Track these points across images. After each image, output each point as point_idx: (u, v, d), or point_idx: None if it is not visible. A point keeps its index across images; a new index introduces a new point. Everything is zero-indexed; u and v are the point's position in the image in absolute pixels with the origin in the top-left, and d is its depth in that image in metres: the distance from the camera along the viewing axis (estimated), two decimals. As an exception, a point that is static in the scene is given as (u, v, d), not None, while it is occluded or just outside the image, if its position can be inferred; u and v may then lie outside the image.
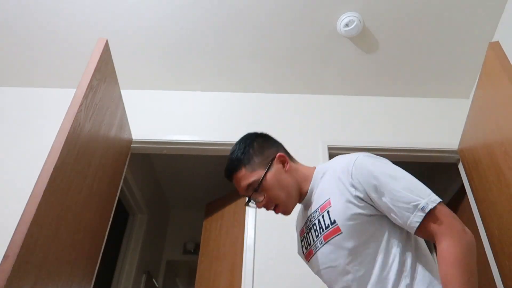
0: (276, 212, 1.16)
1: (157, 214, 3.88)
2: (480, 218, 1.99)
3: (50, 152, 1.31)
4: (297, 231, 1.28)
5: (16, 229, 1.15)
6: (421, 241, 1.04)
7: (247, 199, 1.17)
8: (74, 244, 1.53)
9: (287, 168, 1.17)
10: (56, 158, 1.29)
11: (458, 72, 2.44)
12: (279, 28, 2.26)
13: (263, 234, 2.01)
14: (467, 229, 0.91)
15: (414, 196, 0.94)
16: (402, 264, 0.96)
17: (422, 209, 0.91)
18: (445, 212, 0.93)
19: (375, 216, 1.01)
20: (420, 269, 0.96)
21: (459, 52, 2.33)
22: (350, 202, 1.00)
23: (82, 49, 2.33)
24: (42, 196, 1.21)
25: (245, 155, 1.18)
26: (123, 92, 2.08)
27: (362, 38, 2.28)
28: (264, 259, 1.95)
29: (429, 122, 2.46)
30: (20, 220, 1.16)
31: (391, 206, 0.96)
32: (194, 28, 2.28)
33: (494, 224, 1.81)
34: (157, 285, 3.72)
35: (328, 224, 1.04)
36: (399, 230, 1.01)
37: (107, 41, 1.72)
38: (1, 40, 2.35)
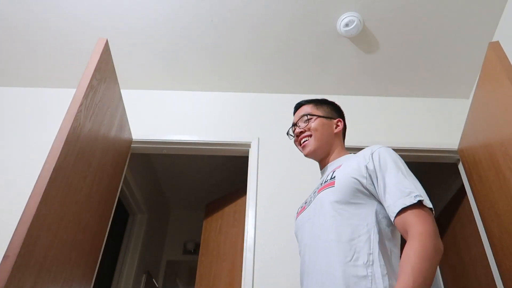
0: (303, 144, 1.32)
1: (157, 214, 3.88)
2: (480, 218, 1.99)
3: (50, 152, 1.31)
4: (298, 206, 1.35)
5: (16, 229, 1.15)
6: (398, 249, 1.06)
7: (289, 130, 1.42)
8: (74, 244, 1.53)
9: (336, 131, 1.36)
10: (56, 158, 1.29)
11: (458, 72, 2.43)
12: (279, 28, 2.26)
13: (263, 234, 2.01)
14: (441, 241, 0.94)
15: (414, 189, 1.00)
16: (371, 247, 1.00)
17: (415, 197, 0.97)
18: (431, 217, 0.97)
19: (369, 197, 1.08)
20: (386, 261, 0.99)
21: (459, 52, 2.33)
22: (358, 170, 1.10)
23: (82, 49, 2.33)
24: (42, 196, 1.21)
25: (320, 101, 1.43)
26: (123, 92, 2.08)
27: (362, 38, 2.28)
28: (264, 259, 1.95)
29: (429, 122, 2.45)
30: (20, 220, 1.16)
31: (390, 186, 1.03)
32: (194, 28, 2.28)
33: (494, 224, 1.81)
34: (157, 285, 3.71)
35: (327, 180, 1.17)
36: (385, 221, 1.05)
37: (107, 41, 1.72)
38: (1, 40, 2.35)
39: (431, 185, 3.36)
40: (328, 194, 1.12)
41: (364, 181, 1.08)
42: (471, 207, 2.10)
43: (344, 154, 1.33)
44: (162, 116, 2.49)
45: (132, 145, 2.33)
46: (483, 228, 1.96)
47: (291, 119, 2.46)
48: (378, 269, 0.96)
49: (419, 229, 0.92)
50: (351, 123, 2.49)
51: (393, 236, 1.06)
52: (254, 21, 2.24)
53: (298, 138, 1.35)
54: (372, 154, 1.12)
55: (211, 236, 2.90)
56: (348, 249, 1.00)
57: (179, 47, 2.37)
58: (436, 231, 0.93)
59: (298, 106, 1.44)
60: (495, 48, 1.70)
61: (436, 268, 0.89)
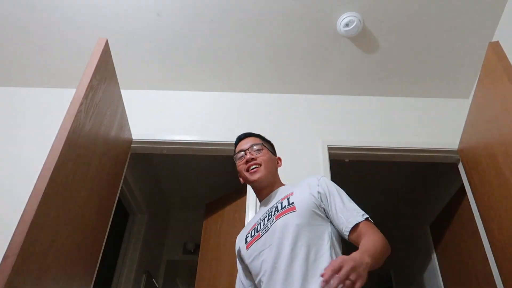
0: (253, 170, 1.40)
1: (157, 214, 3.88)
2: (480, 218, 1.99)
3: (50, 152, 1.31)
4: (240, 238, 1.43)
5: (16, 229, 1.15)
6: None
7: (234, 155, 1.50)
8: (74, 244, 1.53)
9: (278, 166, 1.53)
10: (56, 158, 1.29)
11: (458, 72, 2.44)
12: (279, 28, 2.26)
13: (263, 234, 2.00)
14: None
15: (357, 208, 1.24)
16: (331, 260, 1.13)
17: (362, 215, 1.19)
18: (372, 224, 1.19)
19: (324, 218, 1.24)
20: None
21: (459, 52, 2.33)
22: (312, 195, 1.26)
23: (82, 49, 2.33)
24: (42, 196, 1.21)
25: (265, 138, 1.58)
26: (123, 92, 2.08)
27: (362, 38, 2.28)
28: (264, 259, 1.95)
29: (429, 122, 2.45)
30: (20, 220, 1.16)
31: (340, 206, 1.22)
32: (194, 28, 2.28)
33: (494, 224, 1.81)
34: (157, 285, 3.71)
35: (285, 206, 1.26)
36: (336, 241, 1.22)
37: (107, 41, 1.72)
38: (1, 40, 2.35)
39: (431, 185, 3.37)
40: (291, 219, 1.20)
41: (319, 203, 1.24)
42: (471, 207, 2.10)
43: (282, 185, 1.46)
44: (162, 116, 2.48)
45: (132, 145, 2.33)
46: (483, 228, 1.96)
47: (291, 119, 2.50)
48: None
49: (377, 232, 1.14)
50: (351, 123, 2.51)
51: (340, 245, 1.22)
52: (254, 22, 2.24)
53: (247, 164, 1.41)
54: (319, 181, 1.30)
55: (211, 236, 2.90)
56: (315, 268, 1.10)
57: (180, 47, 2.37)
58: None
59: (245, 136, 1.54)
60: (495, 48, 1.70)
61: (383, 259, 1.07)
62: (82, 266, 1.66)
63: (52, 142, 1.35)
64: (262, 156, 1.43)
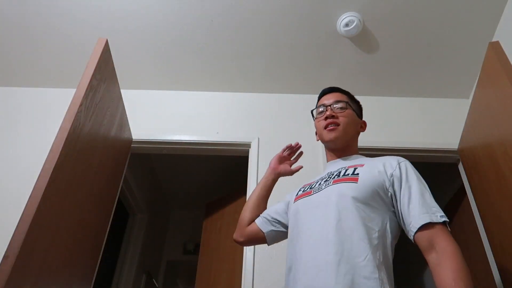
0: (331, 129, 1.26)
1: (157, 214, 3.88)
2: (480, 218, 1.99)
3: (50, 152, 1.31)
4: (295, 191, 1.33)
5: (16, 229, 1.15)
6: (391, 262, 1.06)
7: (314, 109, 1.37)
8: (74, 244, 1.53)
9: (360, 130, 1.37)
10: (56, 158, 1.29)
11: (458, 72, 2.43)
12: (279, 28, 2.26)
13: (263, 234, 2.01)
14: None
15: (434, 205, 1.03)
16: (378, 252, 0.99)
17: (441, 217, 0.99)
18: (449, 232, 1.00)
19: (386, 204, 1.07)
20: (388, 271, 1.01)
21: (459, 52, 2.33)
22: (382, 174, 1.10)
23: (82, 49, 2.33)
24: (42, 196, 1.21)
25: (353, 96, 1.41)
26: (123, 92, 2.08)
27: (362, 38, 2.28)
28: (264, 259, 1.95)
29: (429, 122, 2.45)
30: (20, 220, 1.16)
31: (417, 196, 1.03)
32: (195, 28, 2.28)
33: (494, 224, 1.81)
34: (157, 285, 3.71)
35: (348, 174, 1.13)
36: (391, 235, 1.06)
37: (107, 41, 1.71)
38: (1, 40, 2.34)
39: (431, 185, 3.36)
40: (348, 188, 1.08)
41: (388, 185, 1.08)
42: (471, 207, 2.09)
43: (358, 154, 1.33)
44: (162, 116, 2.48)
45: (132, 145, 2.33)
46: (483, 228, 1.96)
47: (291, 119, 2.50)
48: (385, 276, 0.96)
49: (451, 248, 0.94)
50: (351, 123, 2.51)
51: (392, 251, 1.06)
52: (254, 21, 2.24)
53: (326, 121, 1.27)
54: (399, 163, 1.13)
55: (211, 236, 2.90)
56: (361, 247, 0.97)
57: (179, 47, 2.37)
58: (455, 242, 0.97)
59: (331, 90, 1.38)
60: (495, 48, 1.70)
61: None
62: (82, 266, 1.66)
63: (52, 142, 1.34)
64: (344, 116, 1.27)
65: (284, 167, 1.44)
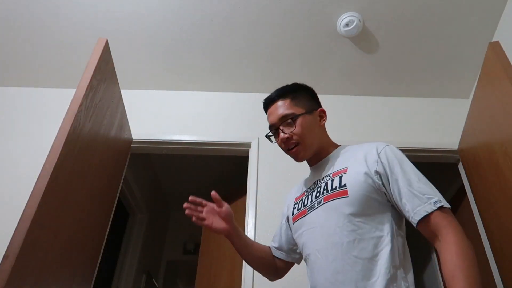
0: (292, 152, 1.18)
1: (157, 214, 3.88)
2: (480, 218, 1.99)
3: (50, 152, 1.31)
4: (290, 198, 1.32)
5: (16, 229, 1.15)
6: (407, 248, 1.05)
7: (269, 133, 1.25)
8: (74, 244, 1.53)
9: (322, 123, 1.24)
10: (56, 158, 1.29)
11: (458, 72, 2.43)
12: (279, 28, 2.26)
13: (263, 234, 2.01)
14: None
15: (430, 191, 0.99)
16: (393, 254, 0.97)
17: (435, 203, 0.96)
18: (453, 216, 0.97)
19: (383, 203, 1.04)
20: (408, 267, 0.99)
21: (459, 52, 2.33)
22: (368, 175, 1.04)
23: (82, 49, 2.33)
24: (42, 196, 1.21)
25: (297, 90, 1.26)
26: (123, 92, 2.08)
27: (362, 38, 2.28)
28: (264, 259, 1.95)
29: (429, 122, 2.45)
30: (20, 220, 1.16)
31: (405, 190, 0.99)
32: (194, 28, 2.28)
33: (494, 224, 1.81)
34: (157, 285, 3.71)
35: (336, 187, 1.07)
36: (398, 223, 1.04)
37: (107, 41, 1.71)
38: (1, 40, 2.34)
39: (431, 185, 3.36)
40: (341, 205, 1.03)
41: (378, 185, 1.03)
42: (471, 207, 2.09)
43: (333, 144, 1.26)
44: (162, 116, 2.48)
45: (132, 145, 2.33)
46: (483, 228, 1.96)
47: (291, 119, 2.49)
48: (401, 282, 0.95)
49: (452, 234, 0.92)
50: (351, 123, 2.51)
51: (404, 237, 1.04)
52: (254, 21, 2.24)
53: (284, 146, 1.20)
54: (379, 155, 1.06)
55: (211, 236, 2.90)
56: (370, 268, 0.96)
57: (179, 47, 2.37)
58: (462, 229, 0.94)
59: (271, 101, 1.24)
60: (495, 48, 1.70)
61: (478, 272, 0.89)
62: (82, 266, 1.66)
63: (52, 142, 1.35)
64: (298, 130, 1.16)
65: (218, 224, 1.26)
